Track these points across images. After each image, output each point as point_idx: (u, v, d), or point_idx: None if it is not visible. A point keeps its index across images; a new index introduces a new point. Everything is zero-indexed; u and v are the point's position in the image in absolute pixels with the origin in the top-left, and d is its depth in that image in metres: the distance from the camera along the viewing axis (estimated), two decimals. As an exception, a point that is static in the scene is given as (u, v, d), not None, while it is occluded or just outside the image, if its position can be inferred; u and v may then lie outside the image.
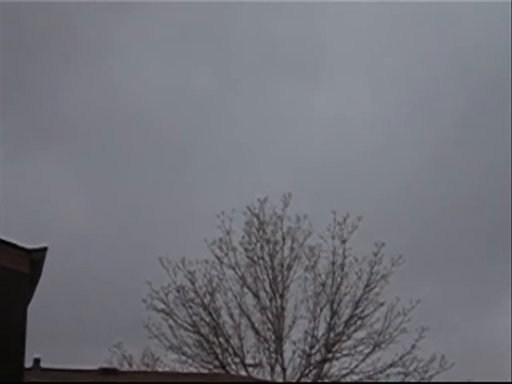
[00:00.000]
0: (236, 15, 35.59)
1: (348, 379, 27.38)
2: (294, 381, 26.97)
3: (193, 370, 27.23)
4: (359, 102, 36.14)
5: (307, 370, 27.48)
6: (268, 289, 28.03)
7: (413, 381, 27.21)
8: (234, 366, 27.60)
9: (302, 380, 27.17)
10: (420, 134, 35.35)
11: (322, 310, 27.87)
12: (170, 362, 27.73)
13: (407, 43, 36.68)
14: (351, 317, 27.83)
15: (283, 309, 27.93)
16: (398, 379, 27.33)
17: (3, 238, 12.00)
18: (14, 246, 12.02)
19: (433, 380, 27.02)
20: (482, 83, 34.20)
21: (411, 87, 36.36)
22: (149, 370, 27.08)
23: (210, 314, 27.72)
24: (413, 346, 27.21)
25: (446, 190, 32.44)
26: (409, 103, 35.87)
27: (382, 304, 27.76)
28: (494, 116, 33.05)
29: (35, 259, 12.10)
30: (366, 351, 27.53)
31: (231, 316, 27.91)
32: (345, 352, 27.67)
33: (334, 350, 27.68)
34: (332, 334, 27.74)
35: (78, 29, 34.44)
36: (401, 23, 36.57)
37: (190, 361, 27.58)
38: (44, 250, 12.28)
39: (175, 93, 35.74)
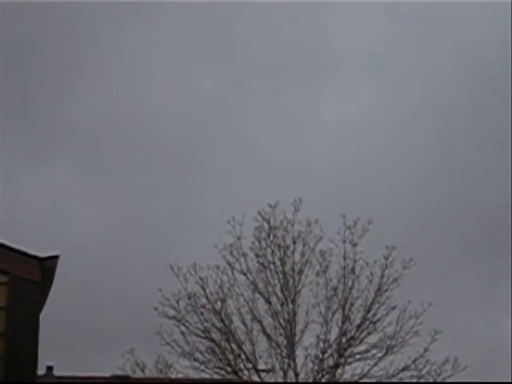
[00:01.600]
0: (242, 17, 35.53)
1: (361, 384, 27.33)
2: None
3: (205, 375, 27.22)
4: (367, 104, 36.13)
5: (320, 375, 27.43)
6: (279, 294, 28.00)
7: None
8: (246, 372, 27.57)
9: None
10: (430, 135, 35.29)
11: (333, 314, 27.82)
12: (182, 369, 27.75)
13: (415, 42, 36.62)
14: (363, 321, 27.77)
15: (295, 314, 27.89)
16: None
17: (15, 246, 12.05)
18: (26, 254, 12.06)
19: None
20: (487, 80, 34.11)
21: (421, 87, 36.31)
22: (162, 376, 27.07)
23: (221, 319, 27.71)
24: (425, 349, 27.16)
25: (456, 191, 32.38)
26: (419, 103, 35.81)
27: (393, 307, 27.71)
28: (501, 112, 32.86)
29: (47, 267, 12.13)
30: (379, 355, 27.48)
31: (243, 321, 27.89)
32: (357, 356, 27.61)
33: (346, 354, 27.61)
34: (344, 339, 27.67)
35: (82, 32, 34.39)
36: (408, 22, 36.55)
37: (202, 367, 27.59)
38: (55, 258, 12.31)
39: (182, 97, 35.73)
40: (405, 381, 27.21)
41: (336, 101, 36.34)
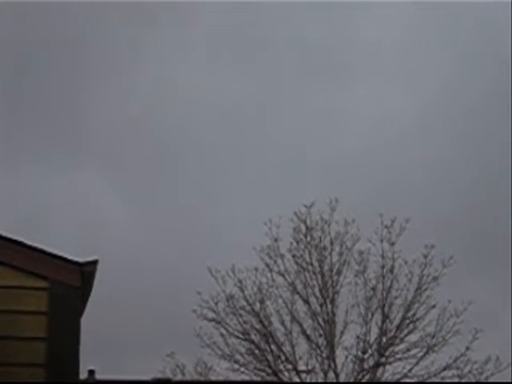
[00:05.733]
0: (269, 16, 35.26)
1: None
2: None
3: (245, 377, 27.24)
4: (400, 103, 35.88)
5: (360, 375, 27.31)
6: (318, 295, 27.93)
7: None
8: (286, 373, 27.54)
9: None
10: (462, 129, 34.89)
11: (373, 314, 27.69)
12: (222, 371, 27.80)
13: (444, 42, 36.29)
14: (403, 320, 27.62)
15: (334, 314, 27.81)
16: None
17: (55, 252, 12.13)
18: (66, 259, 12.13)
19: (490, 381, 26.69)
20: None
21: (451, 87, 35.97)
22: (202, 379, 27.13)
23: (260, 321, 27.71)
24: (467, 348, 26.94)
25: (495, 187, 31.98)
26: (450, 102, 35.50)
27: (433, 306, 27.53)
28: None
29: (86, 272, 12.19)
30: (420, 354, 27.30)
31: (282, 323, 27.87)
32: (398, 356, 27.47)
33: (386, 354, 27.48)
34: (384, 339, 27.54)
35: (106, 35, 34.36)
36: (437, 22, 36.20)
37: (242, 369, 27.63)
38: (95, 262, 12.39)
39: (210, 98, 35.45)
40: (446, 380, 27.03)
41: (369, 98, 36.09)
